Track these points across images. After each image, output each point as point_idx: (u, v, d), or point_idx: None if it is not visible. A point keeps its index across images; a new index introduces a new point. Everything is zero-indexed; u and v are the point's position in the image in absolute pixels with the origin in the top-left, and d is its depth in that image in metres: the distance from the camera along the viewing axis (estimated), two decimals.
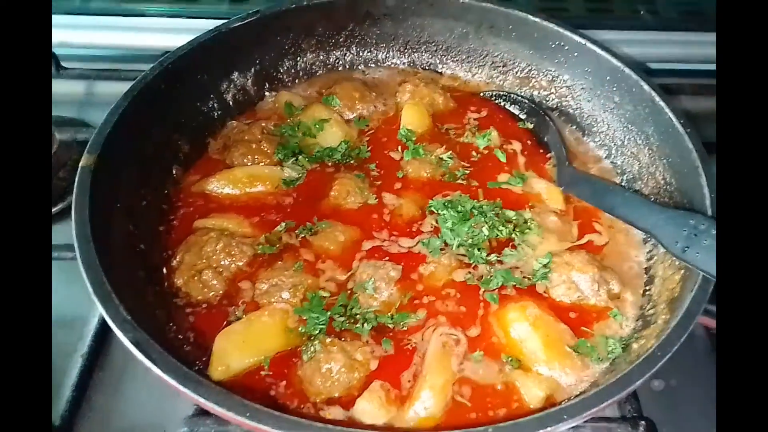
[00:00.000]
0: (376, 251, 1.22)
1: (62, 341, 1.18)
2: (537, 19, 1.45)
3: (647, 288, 1.21)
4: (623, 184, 1.40)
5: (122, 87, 1.22)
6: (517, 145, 1.45)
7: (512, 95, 1.55)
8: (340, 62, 1.60)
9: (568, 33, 1.43)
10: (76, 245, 0.98)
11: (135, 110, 1.20)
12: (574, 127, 1.51)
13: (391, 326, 1.12)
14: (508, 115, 1.54)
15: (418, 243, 1.24)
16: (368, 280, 1.14)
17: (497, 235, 1.24)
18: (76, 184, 1.06)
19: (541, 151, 1.45)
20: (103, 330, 1.21)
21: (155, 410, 1.15)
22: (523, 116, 1.52)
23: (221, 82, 1.44)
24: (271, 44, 1.49)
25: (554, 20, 1.45)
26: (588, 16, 1.91)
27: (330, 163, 1.38)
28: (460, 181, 1.35)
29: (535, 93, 1.56)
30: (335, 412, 1.02)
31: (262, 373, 1.06)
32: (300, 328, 1.09)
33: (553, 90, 1.53)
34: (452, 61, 1.62)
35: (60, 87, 1.63)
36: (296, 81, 1.57)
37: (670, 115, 1.25)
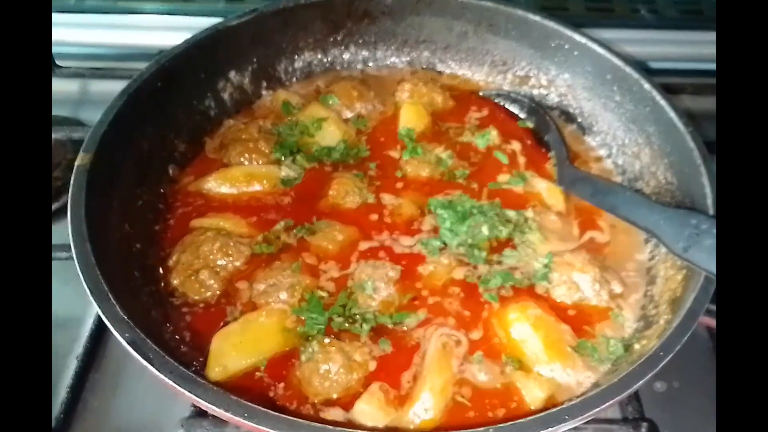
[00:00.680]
0: (374, 251, 1.21)
1: (57, 342, 1.16)
2: (537, 18, 1.44)
3: (649, 288, 1.20)
4: (624, 183, 1.39)
5: (118, 86, 1.21)
6: (517, 145, 1.44)
7: (512, 94, 1.54)
8: (338, 61, 1.59)
9: (568, 32, 1.42)
10: (72, 245, 0.98)
11: (131, 109, 1.18)
12: (575, 126, 1.50)
13: (390, 327, 1.10)
14: (508, 114, 1.53)
15: (417, 243, 1.23)
16: (367, 280, 1.13)
17: (497, 235, 1.23)
18: (71, 183, 1.05)
19: (542, 150, 1.44)
20: (98, 331, 1.19)
21: (152, 412, 1.14)
22: (523, 115, 1.51)
23: (218, 81, 1.42)
24: (269, 43, 1.48)
25: (554, 19, 1.44)
26: (588, 15, 1.90)
27: (328, 163, 1.37)
28: (459, 181, 1.34)
29: (535, 92, 1.55)
30: (334, 413, 1.01)
31: (259, 374, 1.05)
32: (298, 329, 1.08)
33: (553, 89, 1.52)
34: (451, 59, 1.61)
35: (55, 85, 1.61)
36: (294, 80, 1.55)
37: (671, 114, 1.24)
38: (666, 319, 1.06)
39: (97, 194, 1.06)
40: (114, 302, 0.91)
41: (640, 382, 0.91)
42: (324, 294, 1.13)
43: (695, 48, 1.76)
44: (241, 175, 1.31)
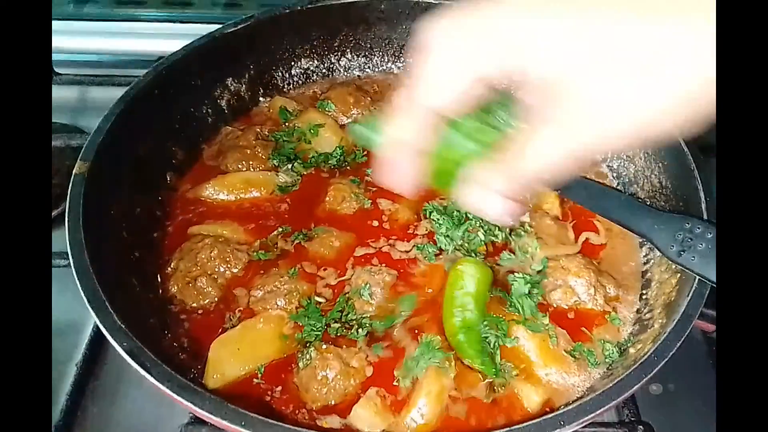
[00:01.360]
0: (371, 256, 1.22)
1: (56, 349, 1.17)
2: None
3: (644, 292, 1.21)
4: (619, 187, 1.40)
5: (116, 93, 1.22)
6: None
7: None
8: (335, 67, 1.60)
9: None
10: (69, 253, 0.98)
11: (128, 116, 1.19)
12: None
13: (381, 331, 1.11)
14: None
15: (413, 248, 1.23)
16: (364, 286, 1.14)
17: (492, 239, 1.24)
18: (69, 191, 1.05)
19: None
20: (97, 338, 1.20)
21: (151, 419, 1.15)
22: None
23: (215, 88, 1.43)
24: (265, 49, 1.48)
25: None
26: None
27: (325, 169, 1.38)
28: None
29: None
30: (332, 420, 1.02)
31: (257, 380, 1.06)
32: (296, 335, 1.09)
33: None
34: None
35: (54, 93, 1.62)
36: (291, 86, 1.56)
37: None
38: (661, 323, 1.07)
39: (95, 202, 1.07)
40: (111, 311, 0.92)
41: (636, 387, 0.91)
42: (321, 300, 1.13)
43: None
44: (239, 182, 1.32)
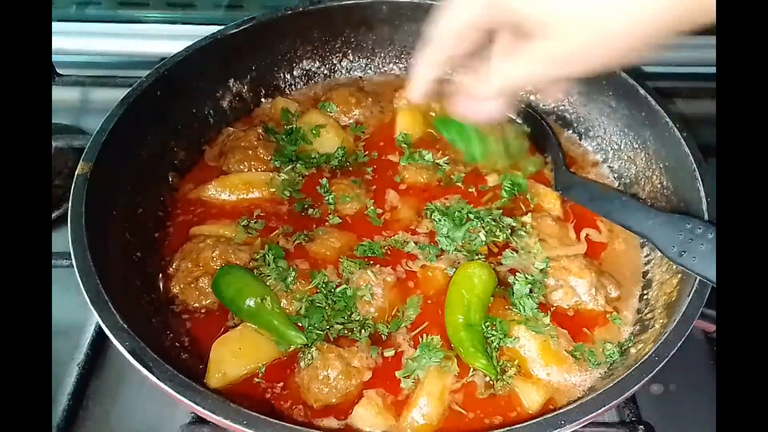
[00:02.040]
0: (372, 257, 1.22)
1: (58, 349, 1.17)
2: None
3: (644, 292, 1.21)
4: (620, 188, 1.40)
5: (118, 94, 1.22)
6: None
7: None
8: (337, 68, 1.60)
9: None
10: (72, 253, 0.99)
11: (131, 117, 1.19)
12: (571, 131, 1.51)
13: (385, 333, 1.11)
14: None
15: (415, 248, 1.24)
16: (365, 286, 1.14)
17: (493, 240, 1.24)
18: (71, 192, 1.06)
19: (539, 155, 1.45)
20: (99, 338, 1.20)
21: (152, 418, 1.15)
22: (519, 120, 1.52)
23: (217, 89, 1.44)
24: (267, 51, 1.49)
25: None
26: None
27: (327, 169, 1.38)
28: (458, 185, 1.35)
29: (531, 97, 1.56)
30: (333, 419, 1.02)
31: (258, 380, 1.06)
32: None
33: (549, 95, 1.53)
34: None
35: (56, 94, 1.63)
36: (292, 87, 1.57)
37: (666, 119, 1.25)
38: (661, 324, 1.07)
39: (97, 203, 1.07)
40: (114, 311, 0.92)
41: (636, 387, 0.92)
42: (322, 300, 1.13)
43: (690, 52, 1.77)
44: (241, 183, 1.32)
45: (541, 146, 1.46)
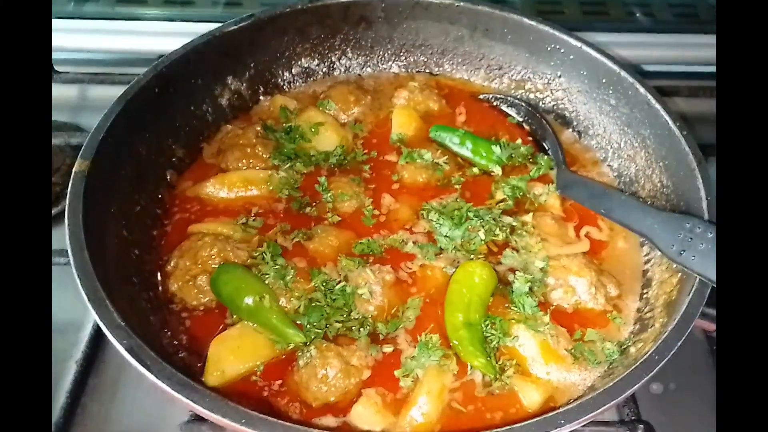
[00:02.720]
0: (370, 255, 1.22)
1: (57, 347, 1.17)
2: (532, 22, 1.45)
3: (644, 291, 1.21)
4: (620, 186, 1.40)
5: (116, 91, 1.22)
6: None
7: (509, 98, 1.54)
8: (335, 66, 1.59)
9: (563, 36, 1.43)
10: (69, 251, 0.98)
11: (129, 115, 1.19)
12: (571, 129, 1.51)
13: (384, 333, 1.11)
14: (505, 118, 1.53)
15: (414, 247, 1.23)
16: (363, 284, 1.14)
17: (492, 239, 1.24)
18: (69, 189, 1.05)
19: (539, 153, 1.44)
20: (97, 336, 1.20)
21: (151, 416, 1.15)
22: (520, 119, 1.52)
23: (215, 87, 1.43)
24: (266, 48, 1.48)
25: (549, 23, 1.45)
26: (583, 19, 1.91)
27: (325, 167, 1.38)
28: (456, 187, 1.35)
29: (531, 96, 1.56)
30: (332, 418, 1.02)
31: (256, 378, 1.05)
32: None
33: (549, 93, 1.53)
34: (448, 64, 1.61)
35: (54, 91, 1.60)
36: (291, 85, 1.56)
37: (666, 117, 1.25)
38: (661, 323, 1.06)
39: (95, 201, 1.07)
40: (111, 309, 0.92)
41: (636, 386, 0.91)
42: (321, 298, 1.13)
43: (690, 51, 1.77)
44: (239, 180, 1.32)
45: (542, 145, 1.46)
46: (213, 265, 1.15)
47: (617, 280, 1.22)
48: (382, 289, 1.14)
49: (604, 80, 1.40)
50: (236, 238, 1.22)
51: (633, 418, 1.12)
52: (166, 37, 1.70)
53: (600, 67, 1.39)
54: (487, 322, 1.11)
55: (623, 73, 1.34)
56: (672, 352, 0.94)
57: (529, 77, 1.55)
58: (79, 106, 1.70)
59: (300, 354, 1.06)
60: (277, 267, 1.15)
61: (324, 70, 1.59)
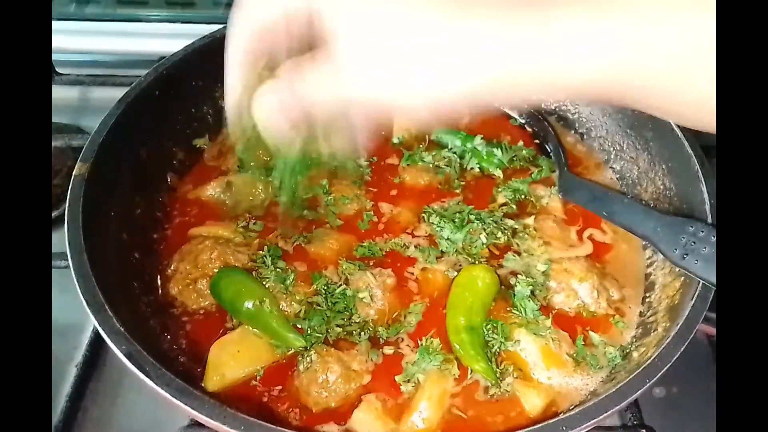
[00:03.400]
0: (371, 258, 1.21)
1: (56, 350, 1.16)
2: None
3: (647, 295, 1.20)
4: (622, 189, 1.39)
5: (117, 93, 1.21)
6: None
7: None
8: None
9: None
10: (68, 254, 0.98)
11: (129, 117, 1.18)
12: (573, 131, 1.50)
13: (385, 337, 1.10)
14: (507, 120, 1.52)
15: (414, 250, 1.23)
16: (364, 288, 1.13)
17: (494, 242, 1.23)
18: (69, 192, 1.05)
19: (541, 156, 1.43)
20: (97, 339, 1.19)
21: (151, 420, 1.15)
22: (522, 121, 1.51)
23: (217, 89, 1.42)
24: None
25: None
26: None
27: (326, 170, 1.37)
28: (457, 191, 1.34)
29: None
30: (332, 423, 1.01)
31: (255, 383, 1.05)
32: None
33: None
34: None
35: (55, 93, 1.62)
36: None
37: (669, 119, 1.24)
38: (664, 327, 1.06)
39: (95, 204, 1.06)
40: (111, 314, 0.91)
41: (639, 392, 0.90)
42: (321, 302, 1.12)
43: None
44: (240, 183, 1.31)
45: (544, 147, 1.45)
46: (213, 269, 1.15)
47: (619, 283, 1.21)
48: (383, 293, 1.13)
49: None
50: (237, 242, 1.21)
51: (636, 422, 1.12)
52: (167, 38, 1.70)
53: None
54: (488, 327, 1.10)
55: None
56: (675, 357, 0.93)
57: None
58: (81, 107, 1.69)
59: (300, 358, 1.05)
60: (277, 270, 1.15)
61: None
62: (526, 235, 1.25)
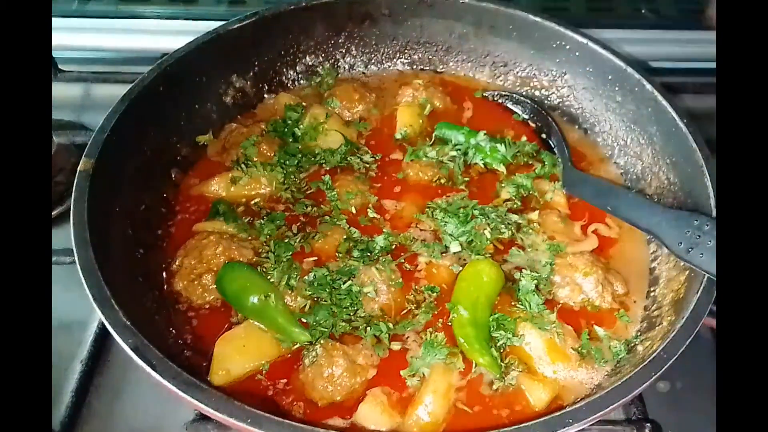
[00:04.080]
0: (376, 253, 1.21)
1: (61, 346, 1.18)
2: (538, 19, 1.44)
3: (652, 289, 1.20)
4: (627, 183, 1.39)
5: (120, 90, 1.21)
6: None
7: (514, 95, 1.53)
8: (340, 63, 1.59)
9: (569, 32, 1.42)
10: (74, 250, 0.98)
11: (133, 113, 1.19)
12: (577, 126, 1.50)
13: (391, 333, 1.10)
14: (511, 115, 1.52)
15: (419, 245, 1.22)
16: (369, 283, 1.13)
17: (498, 237, 1.23)
18: (74, 188, 1.05)
19: (544, 151, 1.43)
20: (102, 335, 1.20)
21: (156, 415, 1.14)
22: (525, 116, 1.51)
23: (220, 85, 1.43)
24: (270, 46, 1.48)
25: (555, 19, 1.44)
26: (589, 15, 1.90)
27: (330, 165, 1.37)
28: (461, 185, 1.34)
29: (537, 93, 1.55)
30: (337, 417, 1.01)
31: (260, 377, 1.05)
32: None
33: (554, 90, 1.52)
34: (453, 61, 1.61)
35: (58, 90, 1.63)
36: (296, 83, 1.56)
37: (673, 114, 1.24)
38: (669, 321, 1.06)
39: (100, 200, 1.06)
40: (117, 308, 0.92)
41: (644, 385, 0.91)
42: (327, 297, 1.12)
43: (696, 47, 1.76)
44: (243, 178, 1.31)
45: (548, 142, 1.45)
46: (218, 264, 1.15)
47: (624, 277, 1.21)
48: (387, 288, 1.13)
49: (610, 77, 1.39)
50: (241, 237, 1.21)
51: (640, 416, 1.12)
52: (170, 35, 1.69)
53: (606, 64, 1.38)
54: (494, 321, 1.10)
55: (629, 70, 1.33)
56: (680, 351, 0.93)
57: (534, 74, 1.54)
58: (84, 104, 1.69)
59: (306, 353, 1.05)
60: (282, 266, 1.15)
61: (328, 67, 1.58)
62: (530, 230, 1.25)
